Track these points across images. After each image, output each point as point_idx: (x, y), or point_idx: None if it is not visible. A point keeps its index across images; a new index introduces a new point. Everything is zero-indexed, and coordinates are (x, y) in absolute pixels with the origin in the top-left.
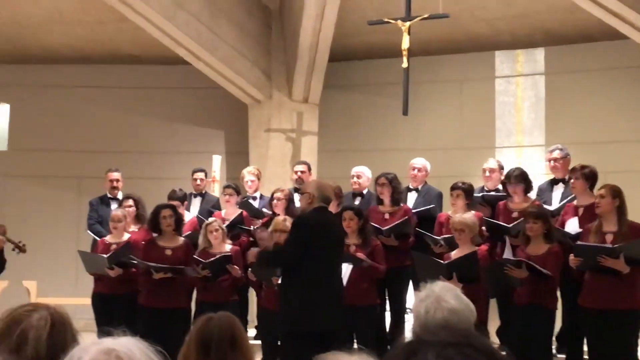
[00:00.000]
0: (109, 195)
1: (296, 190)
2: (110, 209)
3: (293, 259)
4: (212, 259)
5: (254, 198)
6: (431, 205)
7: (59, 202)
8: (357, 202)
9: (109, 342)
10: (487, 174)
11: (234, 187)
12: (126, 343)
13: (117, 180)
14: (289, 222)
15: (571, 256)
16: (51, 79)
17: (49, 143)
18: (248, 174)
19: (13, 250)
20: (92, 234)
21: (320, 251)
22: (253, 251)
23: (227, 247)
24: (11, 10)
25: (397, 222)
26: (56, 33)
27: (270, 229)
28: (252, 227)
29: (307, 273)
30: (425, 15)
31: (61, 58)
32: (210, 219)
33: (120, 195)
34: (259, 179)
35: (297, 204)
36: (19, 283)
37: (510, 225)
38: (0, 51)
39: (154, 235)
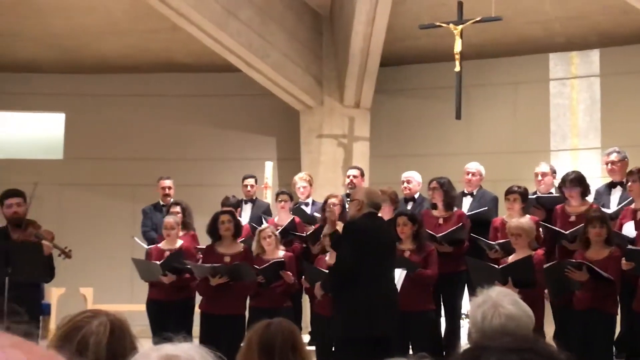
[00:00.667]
0: (161, 203)
1: (348, 195)
2: (163, 216)
3: (352, 264)
4: (265, 265)
5: (306, 204)
6: (485, 208)
7: (113, 210)
8: (409, 207)
9: (170, 348)
10: (540, 177)
11: (288, 193)
12: (187, 349)
13: (169, 188)
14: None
15: (623, 260)
16: (105, 88)
17: (103, 151)
18: (300, 180)
19: (59, 255)
20: (139, 241)
21: (371, 256)
22: (318, 287)
23: (281, 253)
24: (66, 21)
25: (451, 230)
26: (110, 43)
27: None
28: (304, 233)
29: (359, 278)
30: (478, 19)
31: (115, 67)
32: (264, 225)
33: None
34: (310, 185)
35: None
36: (76, 290)
37: (568, 232)
38: (55, 61)
39: (211, 242)
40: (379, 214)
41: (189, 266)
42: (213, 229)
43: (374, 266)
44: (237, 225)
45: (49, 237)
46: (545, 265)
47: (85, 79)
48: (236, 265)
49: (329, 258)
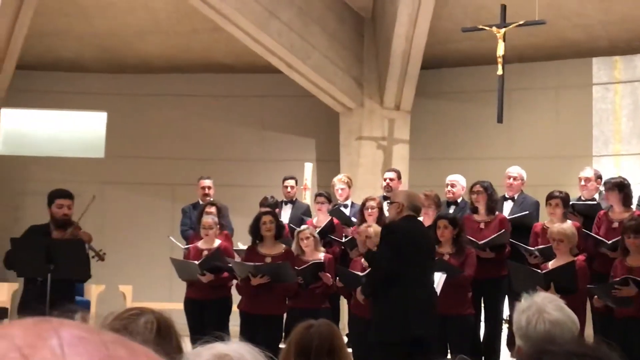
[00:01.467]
0: (201, 202)
1: (385, 198)
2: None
3: (389, 267)
4: (304, 266)
5: (345, 206)
6: (527, 212)
7: (153, 209)
8: (451, 210)
9: (221, 347)
10: (583, 183)
11: (326, 195)
12: (238, 348)
13: (209, 188)
14: (373, 228)
15: None
16: (146, 87)
17: (144, 150)
18: (339, 182)
19: (92, 257)
20: (175, 241)
21: (410, 259)
22: (359, 291)
23: (320, 255)
24: (108, 21)
25: (493, 236)
26: (151, 43)
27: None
28: (343, 234)
29: (396, 282)
30: (521, 22)
31: (156, 67)
32: (303, 227)
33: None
34: (349, 186)
35: (386, 212)
36: (115, 287)
37: (610, 241)
38: (97, 61)
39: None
40: (420, 218)
41: (230, 265)
42: (255, 230)
43: (411, 269)
44: (279, 226)
45: (86, 239)
46: (590, 287)
47: (127, 78)
48: (278, 264)
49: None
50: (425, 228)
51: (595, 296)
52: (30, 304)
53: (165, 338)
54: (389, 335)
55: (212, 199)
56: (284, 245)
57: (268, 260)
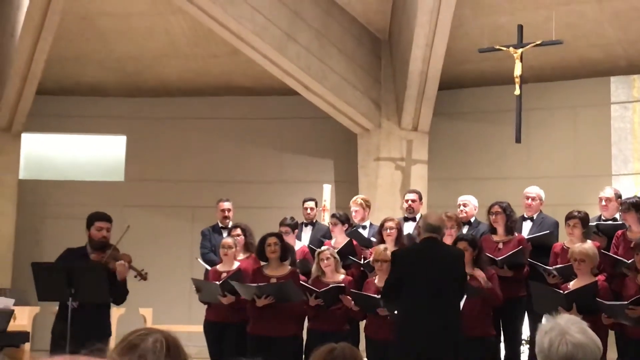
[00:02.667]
0: (220, 225)
1: (406, 219)
2: (222, 238)
3: (386, 292)
4: (324, 288)
5: (364, 227)
6: (546, 232)
7: (173, 231)
8: (464, 230)
9: None
10: (604, 203)
11: (339, 215)
12: None
13: (229, 210)
14: (389, 251)
15: None
16: (165, 111)
17: (163, 173)
18: (353, 204)
19: (135, 277)
20: (204, 263)
21: (415, 282)
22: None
23: (340, 276)
24: (127, 45)
25: (511, 253)
26: (171, 67)
27: (371, 258)
28: (361, 256)
29: (404, 305)
30: (538, 42)
31: (175, 91)
32: (323, 247)
33: (231, 225)
34: (364, 208)
35: (406, 233)
36: (136, 310)
37: (630, 260)
38: (117, 85)
39: (262, 263)
40: (441, 237)
41: (235, 287)
42: (261, 251)
43: (417, 292)
44: (284, 248)
45: (127, 260)
46: (600, 301)
47: (146, 102)
48: (280, 284)
49: (378, 281)
50: (439, 248)
51: (604, 314)
52: (62, 329)
53: (175, 356)
54: (394, 356)
55: (231, 222)
56: (289, 267)
57: (273, 281)
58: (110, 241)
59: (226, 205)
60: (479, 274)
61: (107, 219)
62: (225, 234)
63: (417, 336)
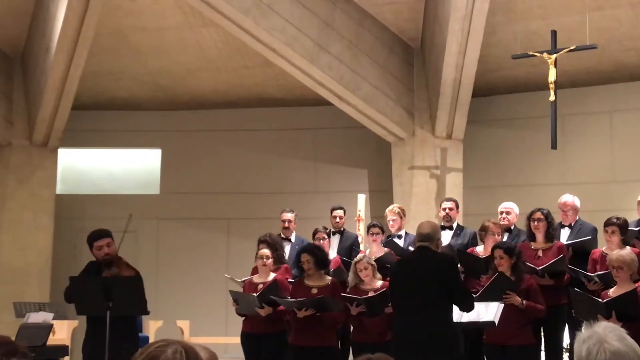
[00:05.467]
0: (282, 236)
1: (443, 228)
2: (284, 249)
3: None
4: (369, 295)
5: (399, 237)
6: (587, 237)
7: (209, 243)
8: (505, 237)
9: None
10: None
11: (379, 226)
12: None
13: (289, 221)
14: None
15: None
16: (199, 123)
17: (198, 186)
18: (390, 213)
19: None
20: (233, 278)
21: (398, 290)
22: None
23: (379, 282)
24: (160, 60)
25: (551, 262)
26: (204, 79)
27: None
28: None
29: (396, 315)
30: (572, 47)
31: (209, 103)
32: (360, 256)
33: (293, 236)
34: (401, 217)
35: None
36: (173, 322)
37: None
38: (151, 99)
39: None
40: (435, 245)
41: (291, 300)
42: (299, 267)
43: (400, 299)
44: (318, 261)
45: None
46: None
47: (180, 115)
48: (319, 299)
49: None
50: (429, 257)
51: None
52: (94, 342)
53: None
54: None
55: (294, 232)
56: (329, 277)
57: (314, 291)
58: (116, 233)
59: (288, 216)
60: (516, 299)
61: (103, 235)
62: (287, 246)
63: (410, 346)
